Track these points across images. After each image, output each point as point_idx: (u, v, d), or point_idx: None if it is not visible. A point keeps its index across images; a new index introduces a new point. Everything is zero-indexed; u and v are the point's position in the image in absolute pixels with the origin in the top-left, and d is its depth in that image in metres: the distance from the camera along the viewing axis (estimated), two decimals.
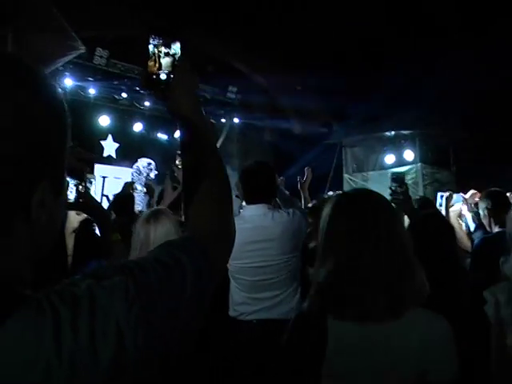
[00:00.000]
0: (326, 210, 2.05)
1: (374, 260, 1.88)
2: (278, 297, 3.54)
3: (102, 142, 13.09)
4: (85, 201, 2.55)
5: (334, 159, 14.48)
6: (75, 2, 9.45)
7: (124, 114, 13.01)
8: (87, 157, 2.64)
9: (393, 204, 3.77)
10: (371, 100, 12.00)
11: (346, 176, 14.58)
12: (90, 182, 2.78)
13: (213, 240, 1.22)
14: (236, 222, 3.09)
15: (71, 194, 2.55)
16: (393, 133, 13.26)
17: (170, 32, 1.44)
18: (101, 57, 11.35)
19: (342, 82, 11.66)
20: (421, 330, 1.91)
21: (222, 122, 15.57)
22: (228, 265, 3.66)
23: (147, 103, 13.41)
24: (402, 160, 13.75)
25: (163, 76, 1.38)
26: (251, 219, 3.63)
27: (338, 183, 13.94)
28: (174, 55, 1.41)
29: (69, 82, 11.67)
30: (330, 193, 7.30)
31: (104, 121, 12.73)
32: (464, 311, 3.08)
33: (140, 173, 13.87)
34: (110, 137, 13.16)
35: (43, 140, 0.92)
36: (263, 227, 3.58)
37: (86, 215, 2.90)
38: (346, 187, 14.21)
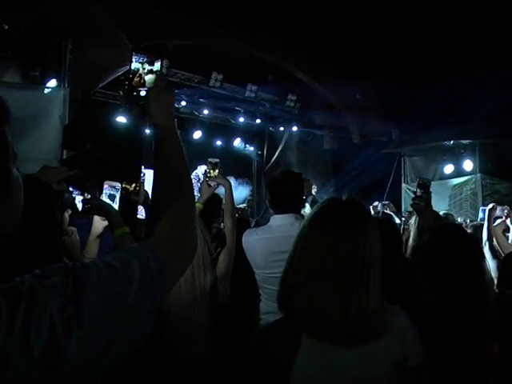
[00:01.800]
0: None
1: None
2: None
3: None
4: (91, 206, 2.66)
5: (392, 168, 14.28)
6: (133, 14, 9.69)
7: (184, 122, 13.19)
8: (75, 175, 2.72)
9: (411, 207, 3.74)
10: (432, 109, 11.83)
11: (404, 186, 14.36)
12: (117, 190, 2.91)
13: (170, 248, 1.28)
14: (263, 232, 3.18)
15: (79, 204, 2.70)
16: (452, 142, 13.00)
17: (154, 51, 1.51)
18: (161, 66, 11.54)
19: (402, 91, 11.57)
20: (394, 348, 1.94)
21: (280, 131, 15.61)
22: (256, 274, 3.71)
23: (206, 111, 13.60)
24: (461, 170, 13.49)
25: (143, 93, 1.46)
26: (278, 229, 3.60)
27: (395, 192, 13.78)
28: (155, 72, 1.48)
29: None
30: (376, 203, 7.19)
31: None
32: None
33: (199, 180, 14.05)
34: None
35: None
36: (290, 237, 3.55)
37: None
38: (404, 196, 14.04)
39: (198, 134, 13.61)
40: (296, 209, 3.71)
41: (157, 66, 1.51)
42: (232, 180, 6.47)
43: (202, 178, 13.50)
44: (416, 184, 3.72)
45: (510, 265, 3.77)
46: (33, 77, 7.15)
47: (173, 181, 1.41)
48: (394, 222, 4.89)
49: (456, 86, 10.87)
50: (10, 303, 0.94)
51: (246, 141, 15.59)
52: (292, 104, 14.46)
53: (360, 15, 11.12)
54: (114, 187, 2.88)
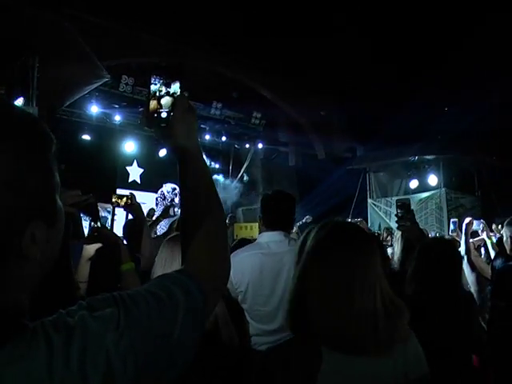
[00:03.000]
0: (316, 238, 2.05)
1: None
2: None
3: (128, 168, 13.28)
4: (98, 235, 2.64)
5: (358, 184, 14.43)
6: (100, 32, 9.64)
7: (149, 140, 13.11)
8: (89, 201, 2.72)
9: (399, 230, 3.80)
10: (395, 125, 11.98)
11: (369, 201, 14.53)
12: (109, 212, 2.87)
13: (207, 276, 1.25)
14: (252, 248, 3.14)
15: (86, 229, 2.66)
16: (416, 158, 13.18)
17: (171, 72, 1.48)
18: (126, 84, 11.53)
19: (366, 108, 11.71)
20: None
21: (246, 148, 15.65)
22: (242, 298, 3.65)
23: None
24: (425, 185, 13.67)
25: (164, 114, 1.43)
26: (267, 245, 3.65)
27: (361, 208, 13.91)
28: (173, 94, 1.45)
29: (95, 109, 11.92)
30: (349, 220, 7.24)
31: (129, 147, 12.94)
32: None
33: (164, 198, 14.02)
34: (135, 162, 13.35)
35: (30, 190, 0.97)
36: (278, 254, 3.54)
37: (101, 244, 2.96)
38: (370, 212, 14.18)
39: (163, 152, 13.56)
40: (286, 227, 3.73)
41: (174, 87, 1.47)
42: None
43: (167, 196, 13.46)
44: (395, 205, 3.76)
45: (502, 278, 3.83)
46: None
47: (202, 204, 1.38)
48: (378, 238, 4.93)
49: (420, 103, 11.06)
50: (63, 338, 0.92)
51: (211, 158, 15.58)
52: (257, 121, 14.55)
53: (325, 31, 11.22)
54: (106, 209, 2.83)
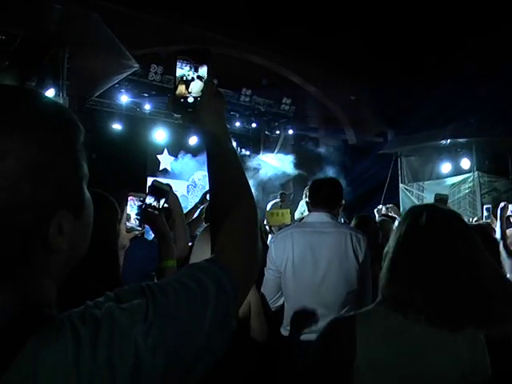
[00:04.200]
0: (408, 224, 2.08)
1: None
2: None
3: (158, 156, 13.33)
4: (150, 219, 2.67)
5: (389, 169, 14.27)
6: (128, 21, 9.67)
7: (179, 128, 13.16)
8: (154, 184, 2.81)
9: None
10: (427, 108, 11.83)
11: (401, 186, 14.33)
12: (141, 201, 2.87)
13: (238, 266, 1.22)
14: (298, 226, 3.24)
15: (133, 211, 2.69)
16: (449, 141, 12.90)
17: (198, 56, 1.46)
18: (155, 73, 11.56)
19: (396, 91, 11.58)
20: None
21: (276, 134, 15.61)
22: (283, 278, 3.83)
23: None
24: (458, 169, 13.46)
25: (191, 99, 1.40)
26: (313, 225, 3.85)
27: (393, 193, 13.76)
28: (201, 79, 1.43)
29: (125, 98, 12.02)
30: (380, 206, 7.12)
31: (160, 135, 12.98)
32: None
33: (196, 185, 14.07)
34: (165, 151, 13.38)
35: (57, 185, 0.97)
36: (323, 232, 3.77)
37: (136, 233, 2.97)
38: (402, 197, 14.03)
39: (193, 140, 13.57)
40: (330, 209, 3.93)
41: (202, 71, 1.44)
42: None
43: (197, 184, 13.47)
44: (434, 200, 3.77)
45: None
46: (29, 87, 7.11)
47: (231, 190, 1.35)
48: None
49: (451, 85, 10.89)
50: (90, 330, 0.91)
51: (241, 145, 15.56)
52: (287, 107, 14.48)
53: (354, 16, 11.12)
54: (139, 199, 2.83)
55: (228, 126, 1.47)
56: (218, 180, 1.38)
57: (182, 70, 1.44)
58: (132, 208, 2.79)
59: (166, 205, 2.82)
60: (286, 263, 3.75)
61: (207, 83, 1.43)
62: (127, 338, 0.92)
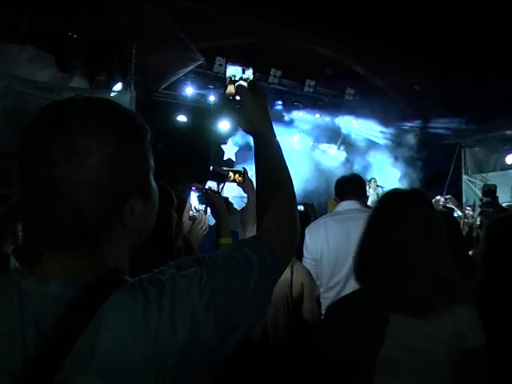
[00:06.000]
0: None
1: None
2: None
3: (223, 146, 13.58)
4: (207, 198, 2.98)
5: (452, 160, 14.09)
6: (194, 16, 9.90)
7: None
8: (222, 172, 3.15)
9: (482, 215, 3.83)
10: (491, 98, 11.63)
11: (464, 177, 14.06)
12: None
13: (279, 242, 1.44)
14: (330, 215, 3.61)
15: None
16: None
17: (245, 60, 1.71)
18: (220, 65, 11.75)
19: (461, 81, 11.45)
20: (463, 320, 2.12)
21: (339, 124, 15.60)
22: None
23: None
24: None
25: (238, 97, 1.65)
26: (345, 212, 4.18)
27: (456, 185, 13.57)
28: (247, 79, 1.67)
29: (190, 90, 12.30)
30: (438, 197, 7.15)
31: (224, 126, 13.21)
32: None
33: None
34: (229, 141, 13.62)
35: (131, 177, 1.23)
36: (355, 218, 4.00)
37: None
38: (465, 189, 13.81)
39: None
40: (359, 198, 4.29)
41: (248, 73, 1.69)
42: None
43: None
44: (482, 190, 3.83)
45: None
46: (98, 81, 7.42)
47: (275, 181, 1.57)
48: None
49: None
50: (157, 291, 1.15)
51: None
52: (350, 98, 14.48)
53: (414, 5, 11.04)
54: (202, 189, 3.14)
55: (270, 120, 1.71)
56: (262, 170, 1.62)
57: (232, 71, 1.69)
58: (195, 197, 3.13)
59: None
60: (322, 250, 3.97)
61: (252, 83, 1.69)
62: (186, 298, 1.16)
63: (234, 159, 13.64)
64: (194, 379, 1.19)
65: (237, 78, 1.68)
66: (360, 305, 2.23)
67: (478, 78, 11.32)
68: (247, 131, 1.68)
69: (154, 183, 1.33)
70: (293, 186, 1.61)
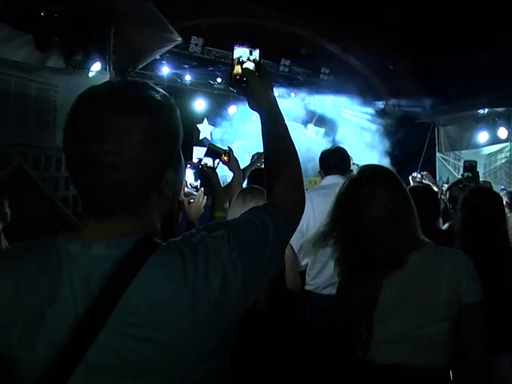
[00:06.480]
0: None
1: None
2: None
3: (199, 126, 13.61)
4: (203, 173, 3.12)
5: (426, 138, 14.27)
6: None
7: (219, 98, 13.42)
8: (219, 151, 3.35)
9: (463, 189, 4.00)
10: (465, 78, 11.76)
11: (438, 155, 14.27)
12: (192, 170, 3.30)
13: (289, 207, 1.64)
14: (315, 189, 3.90)
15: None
16: (486, 110, 12.73)
17: (252, 42, 1.82)
18: (196, 45, 11.71)
19: (435, 60, 11.57)
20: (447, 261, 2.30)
21: (315, 104, 15.64)
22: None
23: None
24: (495, 138, 13.29)
25: (245, 78, 1.77)
26: (329, 187, 4.32)
27: (430, 162, 13.75)
28: (254, 60, 1.78)
29: (166, 70, 12.20)
30: (415, 173, 7.32)
31: (200, 105, 13.22)
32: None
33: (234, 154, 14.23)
34: (205, 120, 13.65)
35: (167, 151, 1.41)
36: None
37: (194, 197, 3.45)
38: (439, 166, 14.02)
39: (233, 110, 13.73)
40: (343, 172, 4.45)
41: (255, 54, 1.80)
42: None
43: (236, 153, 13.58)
44: (463, 166, 3.97)
45: None
46: (75, 61, 7.41)
47: (281, 154, 1.76)
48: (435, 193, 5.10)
49: (489, 56, 10.84)
50: (191, 251, 1.34)
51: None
52: (326, 77, 14.52)
53: None
54: (190, 167, 3.28)
55: (275, 97, 1.85)
56: (271, 144, 1.79)
57: (238, 53, 1.81)
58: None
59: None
60: (308, 223, 4.08)
61: (259, 64, 1.85)
62: (217, 257, 1.35)
63: (209, 138, 13.66)
64: (224, 329, 1.39)
65: (244, 59, 1.79)
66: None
67: (452, 58, 11.42)
68: (254, 108, 1.82)
69: (182, 157, 1.52)
70: (298, 158, 1.79)
